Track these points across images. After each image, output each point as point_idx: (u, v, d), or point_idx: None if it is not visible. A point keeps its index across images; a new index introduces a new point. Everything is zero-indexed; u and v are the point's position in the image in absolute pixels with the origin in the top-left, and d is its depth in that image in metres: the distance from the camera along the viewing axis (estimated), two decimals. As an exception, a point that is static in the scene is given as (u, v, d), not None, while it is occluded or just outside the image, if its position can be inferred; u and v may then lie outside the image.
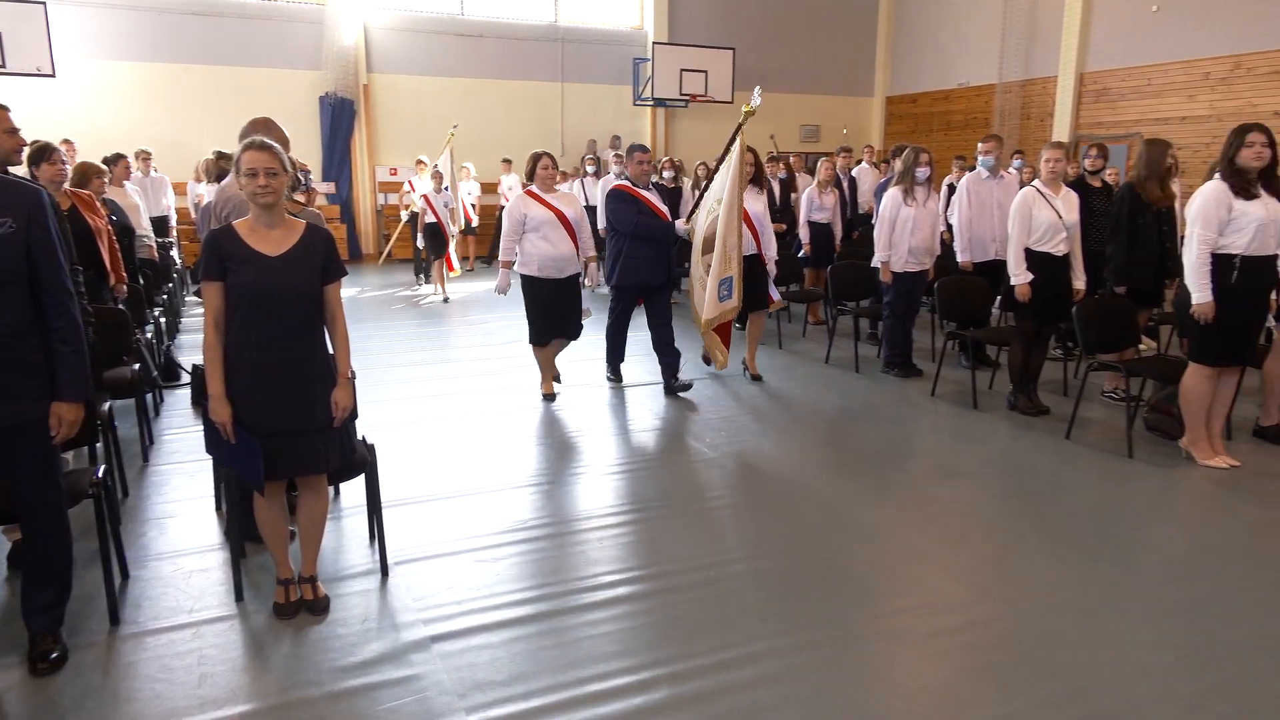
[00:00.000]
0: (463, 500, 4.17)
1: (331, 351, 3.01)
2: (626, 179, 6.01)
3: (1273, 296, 4.67)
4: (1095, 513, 4.08)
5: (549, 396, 5.96)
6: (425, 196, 10.22)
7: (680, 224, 6.05)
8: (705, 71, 15.42)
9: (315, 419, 2.92)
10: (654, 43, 15.35)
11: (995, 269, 6.33)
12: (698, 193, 6.60)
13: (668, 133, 16.40)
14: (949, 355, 6.48)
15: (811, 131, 17.63)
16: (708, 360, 6.47)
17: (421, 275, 11.77)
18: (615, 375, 6.46)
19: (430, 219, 10.22)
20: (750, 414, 5.64)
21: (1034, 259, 5.41)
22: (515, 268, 5.70)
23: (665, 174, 10.05)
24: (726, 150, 5.81)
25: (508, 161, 13.60)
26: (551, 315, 5.72)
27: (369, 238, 14.69)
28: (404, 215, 12.36)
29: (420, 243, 10.94)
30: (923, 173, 6.30)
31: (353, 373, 3.07)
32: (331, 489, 3.98)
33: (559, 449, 4.98)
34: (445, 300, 10.32)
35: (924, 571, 3.48)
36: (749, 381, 6.48)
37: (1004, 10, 15.01)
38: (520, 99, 15.15)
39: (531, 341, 5.87)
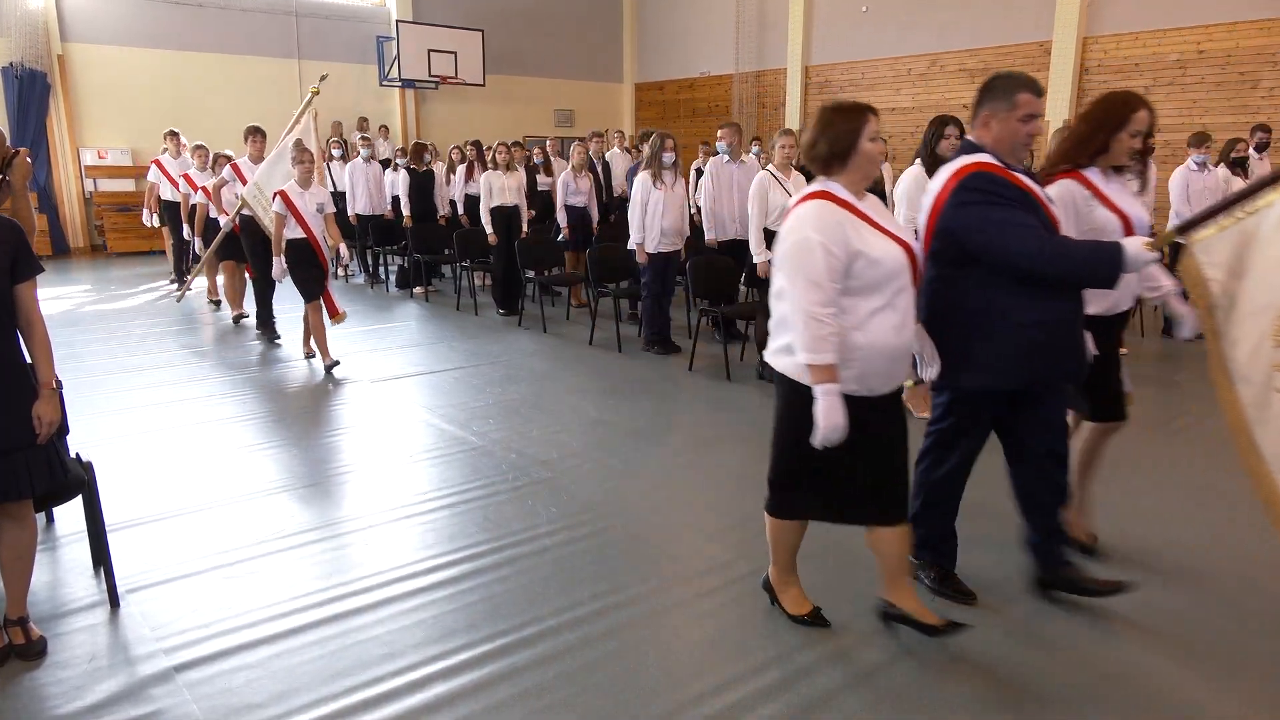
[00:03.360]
0: (206, 513, 3.82)
1: (29, 360, 2.64)
2: (984, 151, 2.77)
3: None
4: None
5: (811, 618, 2.95)
6: (283, 195, 6.17)
7: (1140, 244, 2.56)
8: (454, 53, 15.07)
9: (11, 437, 2.54)
10: (398, 21, 14.77)
11: (739, 248, 6.75)
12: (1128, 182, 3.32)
13: (419, 115, 15.89)
14: (704, 331, 6.84)
15: (565, 116, 17.81)
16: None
17: (195, 288, 8.87)
18: (960, 591, 3.08)
19: (296, 234, 6.22)
20: (517, 399, 5.62)
21: (771, 238, 5.83)
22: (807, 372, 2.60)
23: (424, 156, 9.74)
24: None
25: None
26: (853, 471, 2.68)
27: (77, 229, 12.99)
28: (149, 219, 9.87)
29: (199, 247, 8.32)
30: (668, 157, 6.58)
31: (58, 381, 2.70)
32: (42, 515, 3.51)
33: (316, 449, 4.69)
34: (333, 367, 6.29)
35: (686, 538, 3.66)
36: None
37: (736, 4, 15.96)
38: (252, 77, 14.00)
39: (778, 512, 2.87)
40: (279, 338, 7.28)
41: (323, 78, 8.08)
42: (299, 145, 6.38)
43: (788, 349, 2.61)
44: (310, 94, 7.51)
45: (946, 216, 2.73)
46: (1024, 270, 2.64)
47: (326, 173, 11.09)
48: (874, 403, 2.61)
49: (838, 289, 2.49)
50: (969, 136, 2.85)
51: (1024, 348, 2.72)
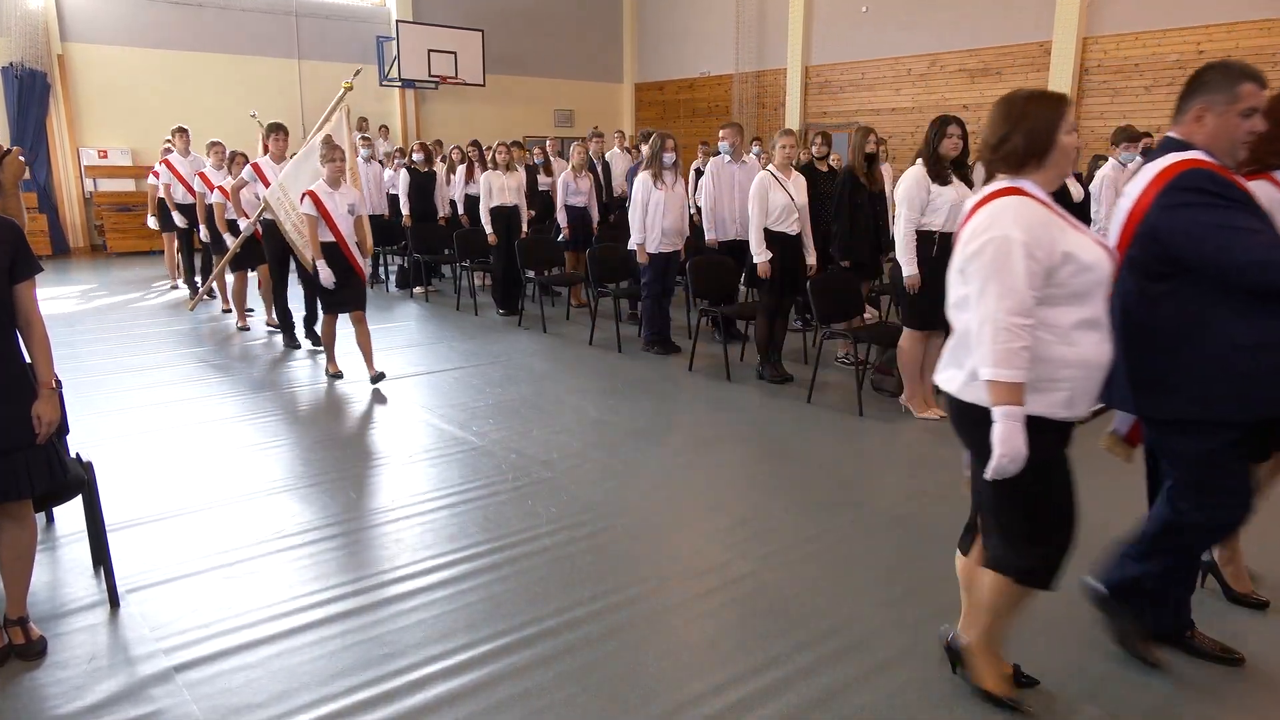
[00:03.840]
0: (206, 513, 3.82)
1: (28, 360, 2.64)
2: (1194, 149, 2.44)
3: None
4: (833, 467, 4.49)
5: (1011, 701, 2.49)
6: (313, 195, 5.72)
7: None
8: (454, 53, 15.07)
9: (11, 437, 2.54)
10: (397, 21, 14.77)
11: (739, 248, 6.76)
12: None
13: (419, 115, 15.89)
14: (703, 331, 6.84)
15: (565, 116, 17.81)
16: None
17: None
18: None
19: (325, 237, 5.80)
20: (517, 399, 5.62)
21: (772, 238, 5.83)
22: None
23: (415, 156, 9.75)
24: None
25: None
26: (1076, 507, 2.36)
27: (77, 229, 13.00)
28: (156, 223, 9.57)
29: (229, 242, 7.40)
30: (669, 158, 6.58)
31: (58, 381, 2.70)
32: (42, 515, 3.52)
33: (316, 449, 4.69)
34: (336, 378, 6.11)
35: (685, 538, 3.66)
36: None
37: (736, 4, 15.95)
38: (252, 77, 13.99)
39: (1040, 581, 2.37)
40: (299, 346, 7.07)
41: (356, 72, 7.69)
42: (329, 142, 5.93)
43: (977, 376, 2.20)
44: (343, 89, 7.00)
45: (1153, 219, 2.38)
46: (1250, 282, 2.27)
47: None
48: (1074, 426, 2.26)
49: (1036, 297, 2.13)
50: (1171, 133, 2.49)
51: (1237, 374, 2.34)
